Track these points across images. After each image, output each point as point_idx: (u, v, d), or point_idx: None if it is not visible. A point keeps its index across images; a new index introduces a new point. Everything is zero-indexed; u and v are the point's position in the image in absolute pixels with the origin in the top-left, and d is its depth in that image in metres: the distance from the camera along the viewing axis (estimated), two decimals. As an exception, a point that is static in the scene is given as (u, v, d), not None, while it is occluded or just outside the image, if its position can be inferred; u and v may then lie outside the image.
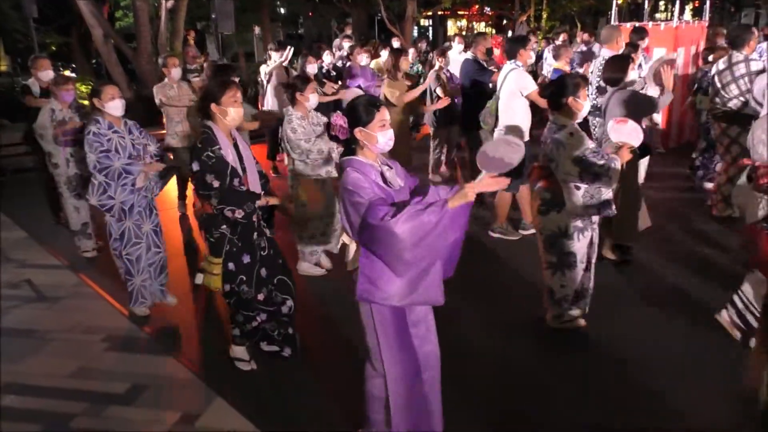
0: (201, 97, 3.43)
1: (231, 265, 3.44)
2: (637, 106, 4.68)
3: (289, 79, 8.06)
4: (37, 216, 6.84)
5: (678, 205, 6.59)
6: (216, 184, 3.25)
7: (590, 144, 3.63)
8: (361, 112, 2.57)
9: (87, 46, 14.08)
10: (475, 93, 6.33)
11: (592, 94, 5.87)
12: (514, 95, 5.42)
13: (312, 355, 3.89)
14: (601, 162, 3.54)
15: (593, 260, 3.98)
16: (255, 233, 3.49)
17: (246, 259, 3.46)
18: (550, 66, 8.94)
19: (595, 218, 3.86)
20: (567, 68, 7.13)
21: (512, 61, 5.55)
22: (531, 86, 5.42)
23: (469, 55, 6.77)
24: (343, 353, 3.92)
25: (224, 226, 3.39)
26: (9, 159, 9.09)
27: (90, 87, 10.74)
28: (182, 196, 6.83)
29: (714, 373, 3.59)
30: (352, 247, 2.72)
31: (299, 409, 3.38)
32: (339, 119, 2.61)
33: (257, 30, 18.72)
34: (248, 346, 3.77)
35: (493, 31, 24.17)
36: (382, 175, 2.61)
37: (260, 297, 3.57)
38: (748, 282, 3.73)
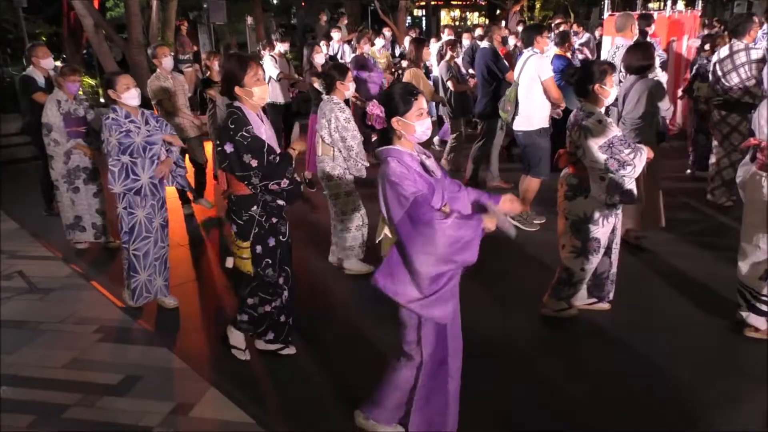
0: (223, 81, 3.34)
1: (258, 248, 3.40)
2: (659, 97, 4.68)
3: (290, 70, 8.04)
4: (29, 207, 6.82)
5: (678, 194, 6.61)
6: (254, 163, 3.20)
7: (617, 132, 3.62)
8: (398, 101, 2.52)
9: (77, 36, 13.94)
10: (490, 81, 6.47)
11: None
12: (534, 81, 5.51)
13: (307, 345, 3.89)
14: (627, 150, 3.55)
15: (614, 246, 4.00)
16: (282, 214, 3.48)
17: (271, 242, 3.43)
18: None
19: (620, 205, 3.87)
20: (568, 54, 7.07)
21: (530, 48, 5.65)
22: (547, 73, 5.50)
23: (486, 44, 6.89)
24: (338, 343, 3.94)
25: (254, 207, 3.33)
26: (2, 150, 9.03)
27: (84, 77, 10.65)
28: (195, 190, 6.59)
29: (718, 360, 3.62)
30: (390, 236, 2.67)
31: (294, 398, 3.38)
32: (375, 108, 2.56)
33: (249, 20, 18.61)
34: (248, 333, 3.72)
35: (486, 21, 24.10)
36: (422, 164, 2.57)
37: (281, 281, 3.59)
38: (742, 266, 3.77)
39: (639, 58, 4.77)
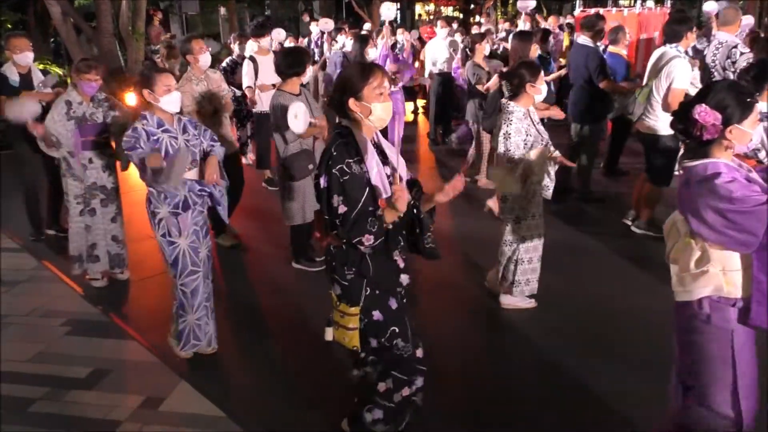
0: (335, 90, 2.53)
1: (377, 314, 2.53)
2: None
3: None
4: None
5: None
6: (342, 209, 2.37)
7: None
8: (737, 105, 2.14)
9: (45, 24, 13.65)
10: (589, 82, 5.86)
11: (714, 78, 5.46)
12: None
13: (279, 337, 3.89)
14: None
15: None
16: (399, 268, 2.62)
17: (393, 303, 2.57)
18: None
19: None
20: (624, 52, 6.58)
21: (674, 45, 4.89)
22: (683, 83, 4.67)
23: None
24: (308, 336, 3.94)
25: (362, 263, 2.50)
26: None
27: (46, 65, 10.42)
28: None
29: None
30: (713, 271, 2.24)
31: (265, 391, 3.38)
32: (709, 116, 2.13)
33: (222, 10, 18.44)
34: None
35: (461, 16, 24.18)
36: (748, 179, 2.20)
37: (419, 353, 2.71)
38: None
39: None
